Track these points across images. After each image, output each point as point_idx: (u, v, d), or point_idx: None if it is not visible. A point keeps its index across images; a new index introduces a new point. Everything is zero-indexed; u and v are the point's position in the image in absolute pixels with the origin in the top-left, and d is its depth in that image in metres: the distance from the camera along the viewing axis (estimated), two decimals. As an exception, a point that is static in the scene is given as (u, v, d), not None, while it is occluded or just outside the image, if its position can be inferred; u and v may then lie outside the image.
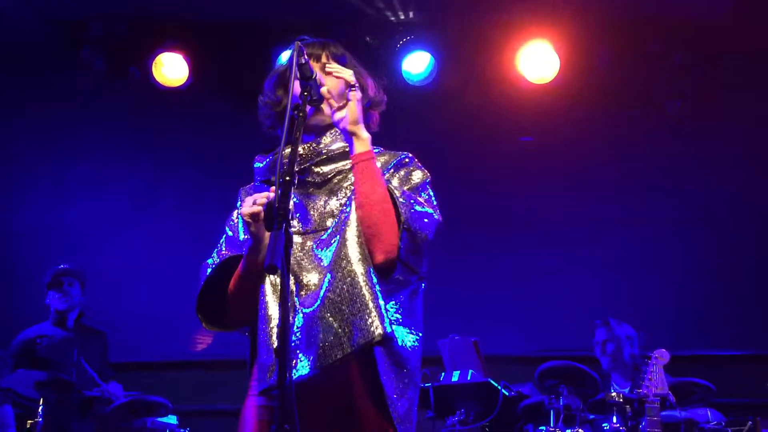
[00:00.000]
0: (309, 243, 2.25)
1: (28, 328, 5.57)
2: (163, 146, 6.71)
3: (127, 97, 6.49)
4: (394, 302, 2.21)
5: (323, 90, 2.23)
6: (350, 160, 2.25)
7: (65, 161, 6.77)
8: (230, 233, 2.40)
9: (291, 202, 2.14)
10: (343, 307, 2.08)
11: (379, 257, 2.15)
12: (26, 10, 6.18)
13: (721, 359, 6.30)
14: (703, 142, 6.47)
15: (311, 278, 2.19)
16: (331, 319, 2.09)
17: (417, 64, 6.17)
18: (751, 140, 6.45)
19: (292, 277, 2.18)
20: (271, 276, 2.16)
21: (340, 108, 2.25)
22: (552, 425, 4.86)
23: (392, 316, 2.19)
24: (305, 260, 2.22)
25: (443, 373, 5.21)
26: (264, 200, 2.12)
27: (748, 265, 6.39)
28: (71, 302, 5.55)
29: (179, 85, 6.28)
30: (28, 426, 4.82)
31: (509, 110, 6.36)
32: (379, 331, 2.05)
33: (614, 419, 4.72)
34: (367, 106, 2.42)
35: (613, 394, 4.71)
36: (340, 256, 2.14)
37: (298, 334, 2.11)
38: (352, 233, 2.16)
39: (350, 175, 2.29)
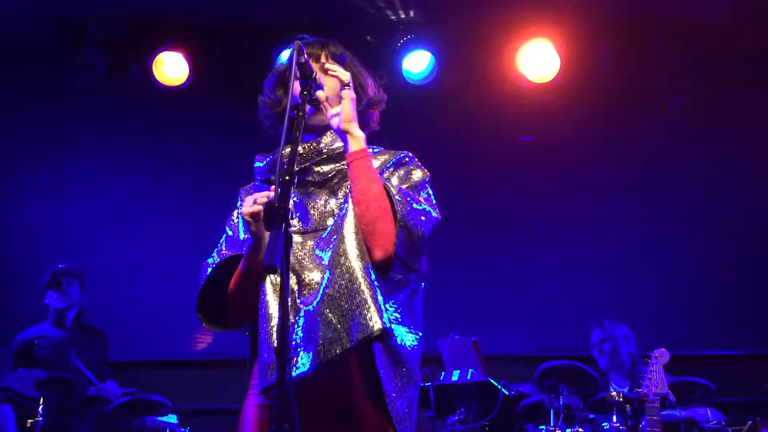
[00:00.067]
0: (310, 242, 2.25)
1: (27, 329, 5.58)
2: (164, 146, 6.71)
3: (127, 97, 6.49)
4: (393, 301, 2.21)
5: (319, 94, 2.23)
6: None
7: (65, 161, 6.77)
8: (230, 233, 2.40)
9: (291, 202, 2.14)
10: (342, 303, 2.09)
11: (377, 254, 2.15)
12: (26, 10, 6.18)
13: (721, 359, 6.30)
14: (703, 142, 6.47)
15: (313, 277, 2.19)
16: (330, 315, 2.09)
17: (417, 63, 6.17)
18: (751, 140, 6.45)
19: (294, 276, 2.19)
20: (272, 275, 2.16)
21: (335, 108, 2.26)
22: (552, 425, 4.86)
23: (392, 315, 2.19)
24: (306, 259, 2.23)
25: (443, 373, 5.21)
26: (264, 199, 2.13)
27: (748, 265, 6.39)
28: (70, 301, 5.55)
29: (179, 85, 6.27)
30: (28, 425, 4.82)
31: (510, 109, 6.36)
32: (378, 325, 2.06)
33: (614, 419, 4.71)
34: (367, 105, 2.42)
35: (613, 393, 4.71)
36: (338, 252, 2.14)
37: (299, 333, 2.12)
38: (349, 230, 2.17)
39: (350, 174, 2.29)
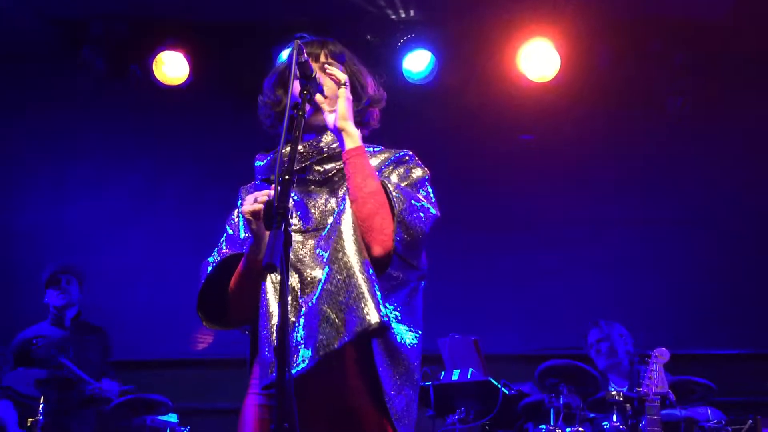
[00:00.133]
0: (311, 241, 2.25)
1: (26, 329, 5.58)
2: (164, 145, 6.71)
3: (127, 96, 6.49)
4: (394, 300, 2.21)
5: (318, 98, 2.23)
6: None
7: (65, 161, 6.77)
8: (231, 232, 2.40)
9: (291, 201, 2.14)
10: (340, 298, 2.09)
11: (376, 250, 2.15)
12: (26, 10, 6.18)
13: (721, 358, 6.30)
14: (703, 142, 6.47)
15: (315, 275, 2.19)
16: (328, 310, 2.09)
17: (418, 62, 6.16)
18: (751, 140, 6.45)
19: (296, 275, 2.19)
20: (273, 274, 2.16)
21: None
22: (552, 424, 4.86)
23: (392, 313, 2.19)
24: (308, 258, 2.23)
25: (443, 372, 5.21)
26: (265, 198, 2.13)
27: (748, 265, 6.39)
28: (69, 299, 5.55)
29: (180, 84, 6.27)
30: (28, 424, 4.82)
31: (510, 109, 6.36)
32: (376, 319, 2.05)
33: (614, 418, 4.71)
34: (367, 104, 2.43)
35: (614, 392, 4.70)
36: (336, 248, 2.14)
37: (300, 331, 2.12)
38: (347, 226, 2.17)
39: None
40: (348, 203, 2.20)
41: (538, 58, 6.09)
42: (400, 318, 2.22)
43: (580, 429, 4.76)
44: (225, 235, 2.41)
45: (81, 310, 5.67)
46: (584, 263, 6.44)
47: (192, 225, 6.17)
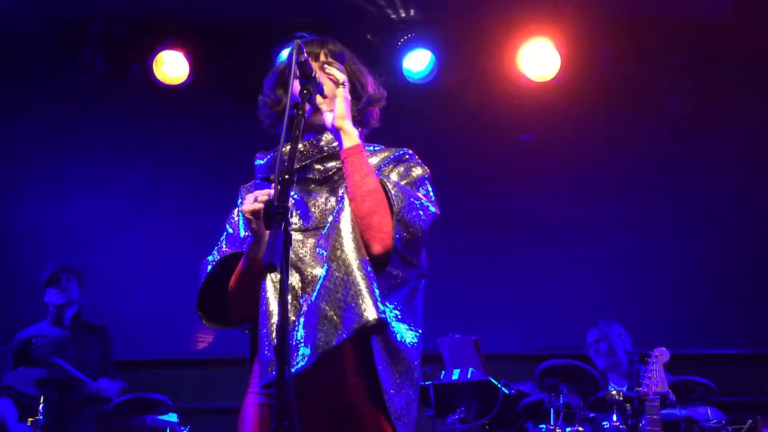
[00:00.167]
0: (311, 240, 2.25)
1: (26, 329, 5.58)
2: (164, 145, 6.71)
3: (127, 96, 6.48)
4: (394, 299, 2.21)
5: (319, 100, 2.24)
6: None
7: (65, 161, 6.77)
8: (231, 230, 2.40)
9: (291, 200, 2.13)
10: (338, 295, 2.09)
11: (375, 248, 2.15)
12: (26, 10, 6.18)
13: (721, 358, 6.30)
14: (703, 141, 6.47)
15: (316, 273, 2.19)
16: (327, 307, 2.09)
17: (418, 62, 6.16)
18: (751, 140, 6.45)
19: (297, 274, 2.19)
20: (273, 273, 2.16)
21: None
22: (552, 423, 4.86)
23: (392, 312, 2.19)
24: (308, 257, 2.22)
25: (443, 372, 5.21)
26: (265, 197, 2.13)
27: (748, 265, 6.39)
28: (69, 297, 5.56)
29: (180, 84, 6.27)
30: (29, 423, 4.82)
31: (510, 108, 6.36)
32: (373, 315, 2.05)
33: (614, 417, 4.71)
34: (367, 103, 2.43)
35: (614, 392, 4.70)
36: (335, 246, 2.14)
37: (300, 330, 2.12)
38: (346, 224, 2.17)
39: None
40: (347, 202, 2.20)
41: (538, 58, 6.09)
42: (400, 317, 2.22)
43: (580, 429, 4.76)
44: (225, 233, 2.41)
45: (81, 310, 5.67)
46: (584, 263, 6.44)
47: (192, 225, 6.17)
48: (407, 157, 2.38)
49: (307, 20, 5.70)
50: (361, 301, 2.06)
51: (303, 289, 2.18)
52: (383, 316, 2.06)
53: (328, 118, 2.25)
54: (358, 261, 2.10)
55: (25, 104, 6.72)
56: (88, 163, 6.72)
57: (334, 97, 2.27)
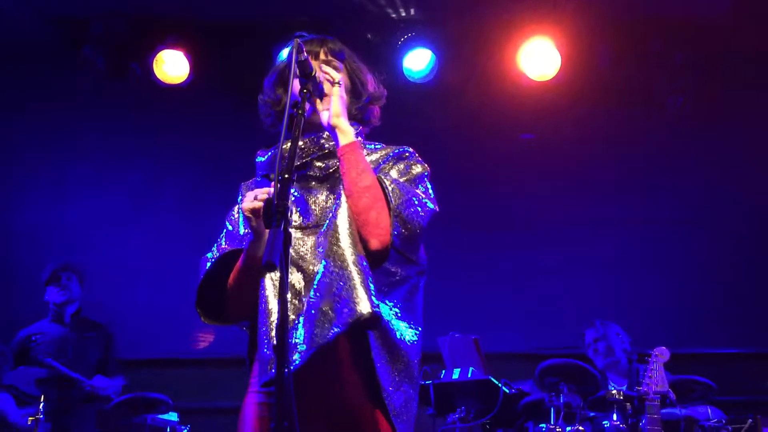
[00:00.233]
0: (311, 237, 2.25)
1: (27, 327, 5.58)
2: (164, 144, 6.70)
3: (127, 96, 6.48)
4: (394, 297, 2.21)
5: (318, 103, 2.25)
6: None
7: (65, 161, 6.76)
8: (230, 228, 2.40)
9: (291, 197, 2.13)
10: (333, 289, 2.09)
11: (373, 244, 2.15)
12: (26, 10, 6.18)
13: (722, 357, 6.30)
14: (703, 141, 6.47)
15: (317, 271, 2.18)
16: (323, 302, 2.09)
17: (418, 61, 6.16)
18: (751, 140, 6.45)
19: (299, 273, 2.19)
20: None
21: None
22: (552, 423, 4.86)
23: (392, 310, 2.19)
24: (309, 255, 2.22)
25: (444, 371, 5.21)
26: (265, 196, 2.13)
27: (748, 265, 6.39)
28: (70, 295, 5.56)
29: (180, 83, 6.27)
30: (29, 423, 4.82)
31: (510, 108, 6.36)
32: (367, 309, 2.04)
33: (614, 417, 4.71)
34: (367, 101, 2.43)
35: (614, 391, 4.70)
36: (332, 241, 2.15)
37: (300, 328, 2.11)
38: (342, 220, 2.17)
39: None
40: (344, 199, 2.20)
41: (538, 57, 6.09)
42: (399, 315, 2.22)
43: (581, 428, 4.76)
44: (225, 230, 2.41)
45: (81, 307, 5.66)
46: (584, 263, 6.44)
47: (192, 224, 6.17)
48: (407, 154, 2.38)
49: (308, 20, 5.71)
50: (355, 294, 2.06)
51: (305, 287, 2.18)
52: (377, 309, 2.06)
53: (324, 117, 2.26)
54: (354, 256, 2.11)
55: (25, 104, 6.72)
56: (88, 162, 6.72)
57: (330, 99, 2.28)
